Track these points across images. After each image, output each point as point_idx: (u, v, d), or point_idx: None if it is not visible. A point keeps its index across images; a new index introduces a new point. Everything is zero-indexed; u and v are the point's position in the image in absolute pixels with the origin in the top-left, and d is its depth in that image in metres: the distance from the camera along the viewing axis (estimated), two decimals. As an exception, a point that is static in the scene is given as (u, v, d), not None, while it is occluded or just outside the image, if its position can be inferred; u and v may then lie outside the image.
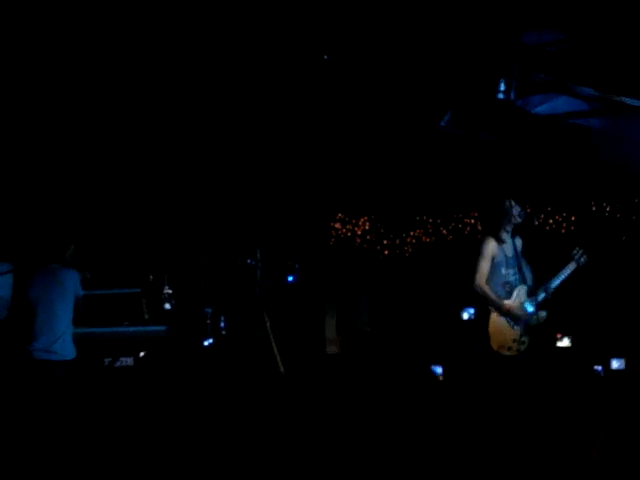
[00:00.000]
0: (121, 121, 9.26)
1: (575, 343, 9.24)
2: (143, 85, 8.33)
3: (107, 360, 9.00)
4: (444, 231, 12.77)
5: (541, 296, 7.14)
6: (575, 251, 7.32)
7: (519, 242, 7.31)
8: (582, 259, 7.30)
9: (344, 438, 7.40)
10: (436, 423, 7.86)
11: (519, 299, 7.07)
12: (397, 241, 13.18)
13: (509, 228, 7.22)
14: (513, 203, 7.22)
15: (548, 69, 7.10)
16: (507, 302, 7.01)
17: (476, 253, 7.13)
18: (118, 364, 9.01)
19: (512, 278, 7.12)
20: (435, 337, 10.36)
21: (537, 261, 7.51)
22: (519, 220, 7.22)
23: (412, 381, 9.31)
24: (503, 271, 7.09)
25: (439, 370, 9.02)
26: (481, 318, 7.06)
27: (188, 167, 10.67)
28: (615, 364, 8.70)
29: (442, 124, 8.13)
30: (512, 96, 7.42)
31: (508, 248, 7.18)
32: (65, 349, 7.46)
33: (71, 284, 7.62)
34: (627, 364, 8.69)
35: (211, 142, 9.98)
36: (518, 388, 6.97)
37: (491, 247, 7.09)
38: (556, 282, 7.22)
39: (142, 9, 6.64)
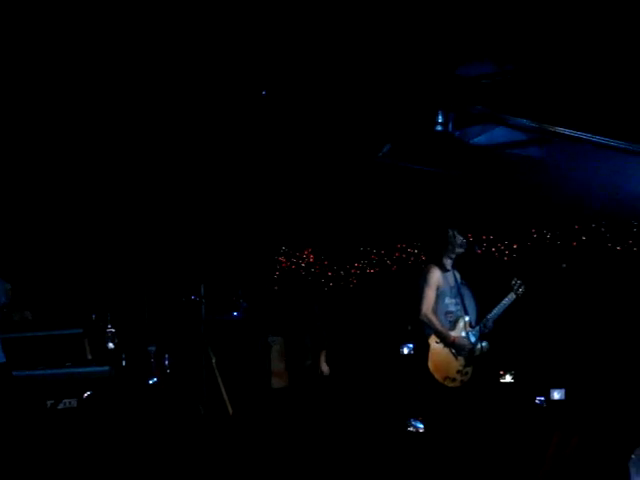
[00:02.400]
0: (51, 154, 9.14)
1: (517, 378, 9.32)
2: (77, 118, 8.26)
3: (50, 402, 8.84)
4: (388, 261, 12.82)
5: (483, 327, 7.20)
6: (513, 282, 7.41)
7: (457, 273, 7.37)
8: (520, 289, 7.39)
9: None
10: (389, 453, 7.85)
11: (463, 329, 7.11)
12: (342, 272, 13.20)
13: (452, 257, 7.28)
14: (456, 233, 7.28)
15: (484, 101, 7.17)
16: (452, 333, 7.04)
17: (420, 283, 7.17)
18: (61, 406, 8.86)
19: (454, 308, 7.16)
20: (378, 372, 10.37)
21: (480, 290, 7.57)
22: (462, 250, 7.29)
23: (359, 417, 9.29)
24: (447, 300, 7.14)
25: (420, 425, 9.00)
26: (420, 352, 7.08)
27: (128, 204, 10.58)
28: (556, 395, 8.78)
29: (381, 156, 8.17)
30: (450, 127, 7.48)
31: (450, 278, 7.24)
32: None
33: None
34: (567, 394, 8.79)
35: (151, 179, 9.92)
36: (465, 418, 6.99)
37: (436, 276, 7.14)
38: (496, 313, 7.29)
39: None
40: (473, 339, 7.14)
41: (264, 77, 7.25)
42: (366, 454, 8.12)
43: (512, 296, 7.36)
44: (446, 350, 7.01)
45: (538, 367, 9.63)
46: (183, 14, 6.28)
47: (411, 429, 8.96)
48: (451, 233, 7.28)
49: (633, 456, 5.02)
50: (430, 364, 6.95)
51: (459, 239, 7.29)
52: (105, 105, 7.89)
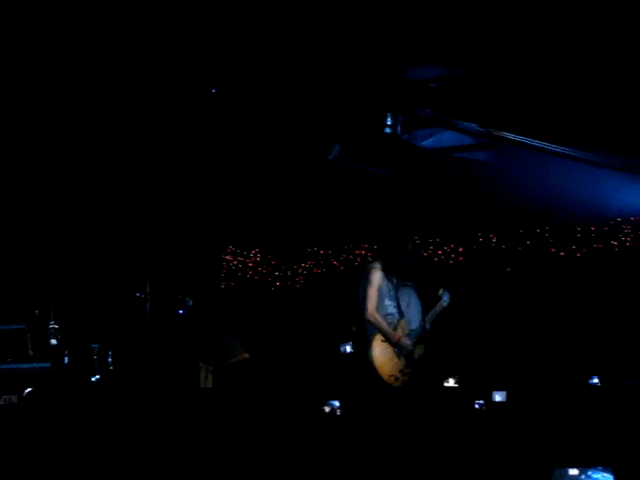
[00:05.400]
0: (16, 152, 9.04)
1: (461, 382, 9.42)
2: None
3: (-11, 398, 8.72)
4: (335, 262, 12.85)
5: (420, 330, 7.35)
6: (440, 292, 7.55)
7: (394, 278, 7.45)
8: (447, 298, 7.55)
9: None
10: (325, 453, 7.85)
11: (402, 331, 7.23)
12: (288, 272, 13.20)
13: (401, 267, 7.38)
14: (413, 246, 7.42)
15: (433, 104, 7.23)
16: (397, 332, 7.16)
17: (363, 284, 7.27)
18: (1, 402, 8.74)
19: (393, 310, 7.28)
20: (316, 370, 10.38)
21: (425, 293, 7.65)
22: (413, 263, 7.43)
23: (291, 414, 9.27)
24: (386, 302, 7.25)
25: (336, 404, 8.98)
26: (363, 351, 7.17)
27: (74, 198, 10.47)
28: (497, 397, 8.88)
29: (330, 157, 8.20)
30: (399, 130, 7.54)
31: (389, 281, 7.33)
32: None
33: None
34: (508, 396, 8.91)
35: (97, 175, 9.84)
36: (405, 419, 7.08)
37: (378, 276, 7.25)
38: (429, 319, 7.45)
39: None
40: (409, 342, 7.28)
41: (214, 75, 7.24)
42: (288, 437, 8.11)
43: (442, 304, 7.52)
44: (391, 349, 7.14)
45: (482, 371, 9.73)
46: (137, 14, 6.28)
47: (327, 409, 8.97)
48: (410, 247, 7.40)
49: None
50: (376, 362, 7.07)
51: (415, 253, 7.45)
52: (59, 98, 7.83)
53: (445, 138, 8.11)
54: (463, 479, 6.32)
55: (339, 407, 8.65)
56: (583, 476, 4.49)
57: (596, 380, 9.21)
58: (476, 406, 8.72)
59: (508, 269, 10.75)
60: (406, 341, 7.20)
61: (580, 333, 10.13)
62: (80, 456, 7.80)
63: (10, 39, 6.62)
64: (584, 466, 4.54)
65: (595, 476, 4.47)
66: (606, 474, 4.52)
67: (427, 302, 7.58)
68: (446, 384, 9.48)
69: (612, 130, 7.11)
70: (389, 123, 7.47)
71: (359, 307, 7.21)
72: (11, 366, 8.97)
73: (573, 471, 4.47)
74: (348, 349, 9.99)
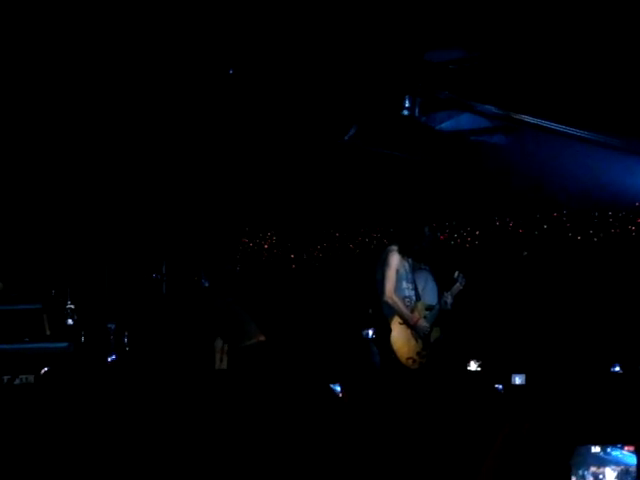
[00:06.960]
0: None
1: (484, 366, 9.42)
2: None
3: (6, 377, 8.75)
4: (351, 245, 12.84)
5: (435, 314, 7.35)
6: (456, 275, 7.54)
7: (411, 260, 7.45)
8: (462, 281, 7.54)
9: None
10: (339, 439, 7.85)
11: (419, 313, 7.23)
12: (304, 255, 13.20)
13: (417, 250, 7.38)
14: (429, 230, 7.42)
15: (451, 87, 7.21)
16: (414, 315, 7.17)
17: (381, 266, 7.26)
18: (18, 381, 8.78)
19: (411, 293, 7.28)
20: (334, 353, 10.38)
21: (441, 276, 7.65)
22: (429, 247, 7.43)
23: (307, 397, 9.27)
24: (404, 285, 7.26)
25: (337, 388, 9.00)
26: (382, 333, 7.17)
27: (91, 178, 10.50)
28: (517, 380, 8.87)
29: (347, 138, 8.19)
30: (417, 112, 7.52)
31: (407, 264, 7.33)
32: None
33: None
34: (527, 379, 8.90)
35: (113, 156, 9.85)
36: (423, 400, 7.07)
37: (396, 259, 7.26)
38: (445, 302, 7.43)
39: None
40: (426, 324, 7.28)
41: (231, 56, 7.22)
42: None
43: (458, 287, 7.51)
44: (408, 331, 7.16)
45: (503, 354, 9.70)
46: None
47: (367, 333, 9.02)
48: (426, 230, 7.40)
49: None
50: (394, 344, 7.08)
51: (431, 237, 7.44)
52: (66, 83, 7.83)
53: (463, 121, 8.08)
54: (482, 462, 6.29)
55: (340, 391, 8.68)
56: (604, 454, 4.46)
57: (617, 368, 9.17)
58: (497, 389, 8.72)
59: (525, 253, 10.73)
60: (423, 323, 7.21)
61: (594, 318, 10.10)
62: (95, 436, 7.83)
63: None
64: (606, 444, 4.50)
65: (616, 454, 4.44)
66: (626, 452, 4.50)
67: (443, 285, 7.58)
68: (469, 368, 9.49)
69: (632, 113, 7.07)
70: (407, 105, 7.44)
71: (377, 289, 7.21)
72: (28, 346, 9.00)
73: (595, 449, 4.44)
74: (370, 333, 10.01)
